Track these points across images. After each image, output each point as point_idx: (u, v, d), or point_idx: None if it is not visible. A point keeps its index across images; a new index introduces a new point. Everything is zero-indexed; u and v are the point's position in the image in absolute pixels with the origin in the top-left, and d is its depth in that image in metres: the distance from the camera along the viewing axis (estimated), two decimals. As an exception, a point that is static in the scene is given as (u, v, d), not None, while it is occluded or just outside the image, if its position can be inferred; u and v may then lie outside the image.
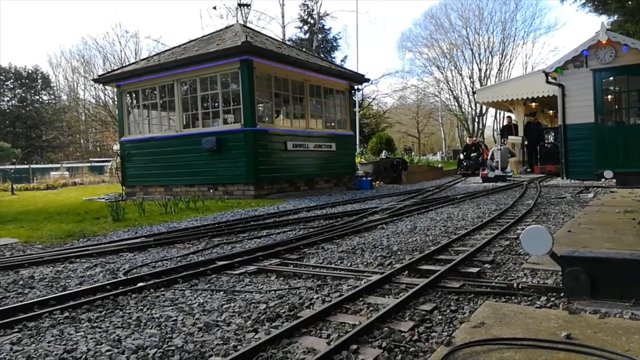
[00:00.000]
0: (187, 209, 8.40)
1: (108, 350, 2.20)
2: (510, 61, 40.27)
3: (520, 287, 2.89)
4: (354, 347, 2.10)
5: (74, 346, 2.28)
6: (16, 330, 2.57)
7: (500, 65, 39.97)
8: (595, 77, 11.47)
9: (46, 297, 3.04)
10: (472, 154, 17.56)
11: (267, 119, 12.07)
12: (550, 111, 20.60)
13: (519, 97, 16.61)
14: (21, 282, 3.61)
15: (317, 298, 2.91)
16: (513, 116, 18.15)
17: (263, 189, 10.73)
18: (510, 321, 2.32)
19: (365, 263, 3.82)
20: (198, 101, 11.45)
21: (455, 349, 2.00)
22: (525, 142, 16.72)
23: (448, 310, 2.61)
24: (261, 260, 4.02)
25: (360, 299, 2.84)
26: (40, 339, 2.42)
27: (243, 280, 3.44)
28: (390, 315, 2.50)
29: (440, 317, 2.51)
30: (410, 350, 2.09)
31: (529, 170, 16.07)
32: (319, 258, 4.07)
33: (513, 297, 2.76)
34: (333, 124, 13.80)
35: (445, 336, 2.20)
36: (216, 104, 11.65)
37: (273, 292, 3.10)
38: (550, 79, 12.09)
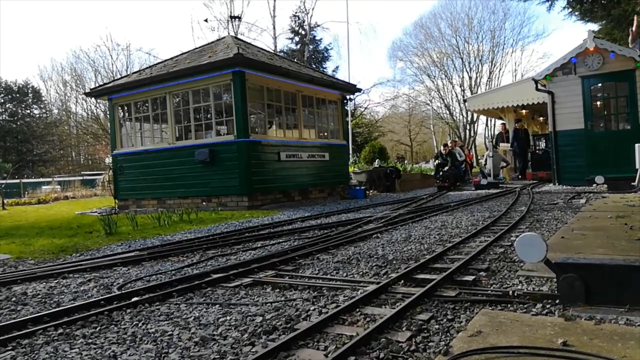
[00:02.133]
0: (181, 222, 8.36)
1: (103, 367, 2.17)
2: (500, 69, 40.77)
3: (515, 294, 2.90)
4: (352, 358, 2.10)
5: (69, 364, 2.25)
6: (10, 348, 2.53)
7: (490, 73, 40.46)
8: (584, 84, 11.63)
9: (40, 314, 3.00)
10: (445, 163, 14.49)
11: (260, 129, 12.09)
12: (541, 118, 20.79)
13: (509, 104, 16.76)
14: (14, 299, 3.56)
15: (314, 309, 2.90)
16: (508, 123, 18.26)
17: (257, 199, 10.71)
18: (507, 329, 2.32)
19: (361, 273, 3.81)
20: (191, 113, 11.45)
21: (453, 359, 2.00)
22: (513, 149, 16.76)
23: (445, 320, 2.61)
24: (256, 272, 4.00)
25: (357, 309, 2.83)
26: (34, 356, 2.39)
27: (239, 293, 3.42)
28: (388, 326, 2.50)
29: (437, 326, 2.51)
30: (408, 360, 2.09)
31: (520, 176, 16.17)
32: (314, 269, 4.06)
33: (509, 305, 2.77)
34: (326, 134, 13.85)
35: (443, 346, 2.20)
36: (209, 116, 11.66)
37: (269, 304, 3.08)
38: (539, 87, 12.23)
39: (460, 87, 41.19)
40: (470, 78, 40.61)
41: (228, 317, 2.84)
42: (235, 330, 2.62)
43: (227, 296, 3.35)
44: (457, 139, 23.16)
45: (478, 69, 40.68)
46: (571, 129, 11.79)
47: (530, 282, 3.22)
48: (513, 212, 7.17)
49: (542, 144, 16.28)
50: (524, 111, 18.28)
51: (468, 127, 41.53)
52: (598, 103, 12.08)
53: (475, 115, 37.90)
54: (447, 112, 42.79)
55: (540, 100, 14.60)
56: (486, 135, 20.72)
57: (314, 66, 28.46)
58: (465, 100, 24.01)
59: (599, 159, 11.40)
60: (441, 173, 14.23)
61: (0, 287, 4.00)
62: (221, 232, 6.79)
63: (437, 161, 15.12)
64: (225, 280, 3.75)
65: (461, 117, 42.09)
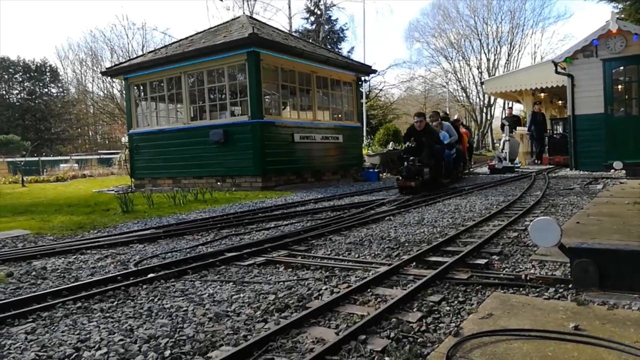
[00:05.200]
0: (196, 201, 8.45)
1: (121, 340, 2.24)
2: (519, 51, 39.90)
3: (528, 278, 2.90)
4: (363, 337, 2.12)
5: (88, 335, 2.32)
6: (30, 320, 2.61)
7: (508, 55, 39.63)
8: (605, 67, 11.34)
9: (59, 288, 3.09)
10: (416, 149, 8.63)
11: (274, 110, 12.07)
12: (559, 101, 20.40)
13: (527, 87, 16.45)
14: (34, 273, 3.67)
15: (326, 289, 2.93)
16: (519, 107, 17.94)
17: (270, 180, 10.76)
18: (518, 312, 2.33)
19: (373, 254, 3.83)
20: (205, 93, 11.47)
21: (463, 340, 2.01)
22: (530, 133, 16.45)
23: (456, 302, 2.62)
24: (269, 251, 4.05)
25: (369, 290, 2.86)
26: (54, 328, 2.46)
27: (252, 272, 3.47)
28: (398, 306, 2.52)
29: (448, 308, 2.53)
30: (419, 340, 2.11)
31: (537, 161, 15.95)
32: (326, 249, 4.09)
33: (521, 289, 2.77)
34: (340, 116, 13.77)
35: (453, 327, 2.22)
36: (223, 96, 11.66)
37: (282, 283, 3.13)
38: (559, 69, 11.96)
39: (478, 69, 40.51)
40: (488, 60, 39.89)
41: (241, 295, 2.89)
42: (248, 307, 2.67)
43: (241, 274, 3.41)
44: (443, 111, 15.55)
45: (496, 50, 39.90)
46: (590, 113, 11.55)
47: (544, 266, 3.21)
48: (528, 197, 7.11)
49: (560, 128, 16.01)
50: (542, 94, 17.95)
51: (485, 110, 40.93)
52: (619, 87, 11.79)
53: (492, 98, 37.29)
54: (464, 94, 42.20)
55: (559, 83, 14.29)
56: (503, 118, 19.79)
57: (329, 47, 28.18)
58: (482, 83, 23.59)
59: (618, 144, 11.18)
60: (405, 165, 8.33)
61: (20, 261, 4.11)
62: (235, 212, 6.86)
63: (405, 145, 9.11)
64: (238, 259, 3.80)
65: (478, 100, 41.49)
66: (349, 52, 33.51)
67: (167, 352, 2.08)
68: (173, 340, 2.21)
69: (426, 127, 8.92)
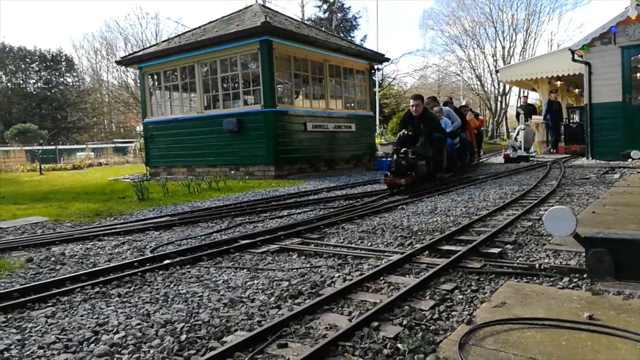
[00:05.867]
0: (210, 189, 8.53)
1: (138, 324, 2.29)
2: (535, 39, 39.06)
3: (542, 268, 2.89)
4: (375, 324, 2.14)
5: (106, 319, 2.38)
6: (50, 304, 2.68)
7: (524, 43, 38.80)
8: (624, 55, 11.08)
9: (77, 273, 3.16)
10: (410, 139, 7.44)
11: (286, 99, 12.06)
12: (576, 90, 20.04)
13: (543, 75, 16.17)
14: (53, 259, 3.75)
15: (338, 276, 2.95)
16: (535, 95, 17.66)
17: (283, 169, 10.79)
18: (532, 301, 2.32)
19: (386, 243, 3.84)
20: (218, 82, 11.50)
21: (476, 328, 2.02)
22: (545, 122, 16.18)
23: (469, 290, 2.62)
24: (283, 239, 4.08)
25: (381, 278, 2.87)
26: (73, 312, 2.53)
27: (265, 259, 3.51)
28: (411, 294, 2.53)
29: (461, 296, 2.53)
30: (431, 328, 2.12)
31: (552, 150, 15.74)
32: (339, 238, 4.11)
33: (535, 278, 2.76)
34: (353, 105, 13.71)
35: (466, 315, 2.23)
36: (236, 85, 11.68)
37: (295, 270, 3.16)
38: (576, 57, 11.73)
39: (493, 57, 39.82)
40: (503, 48, 39.15)
41: (255, 281, 2.93)
42: (262, 293, 2.70)
43: (255, 261, 3.45)
44: (448, 96, 13.86)
45: (512, 38, 39.11)
46: (608, 101, 11.33)
47: (558, 255, 3.18)
48: (543, 186, 7.03)
49: (576, 117, 15.74)
50: (558, 83, 17.64)
51: (499, 98, 40.36)
52: (638, 75, 11.52)
53: (507, 86, 36.74)
54: (478, 83, 41.58)
55: (576, 71, 14.03)
56: (518, 106, 19.40)
57: (341, 35, 27.97)
58: (497, 71, 23.25)
59: (635, 133, 10.97)
60: (395, 158, 7.00)
61: (39, 247, 4.21)
62: (248, 200, 6.91)
63: (400, 133, 7.74)
64: (252, 246, 3.84)
65: (492, 88, 40.88)
66: (362, 40, 33.24)
67: (183, 337, 2.12)
68: (189, 324, 2.26)
69: (424, 112, 7.66)
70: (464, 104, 13.44)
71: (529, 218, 4.57)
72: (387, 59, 15.44)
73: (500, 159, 14.08)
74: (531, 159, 13.03)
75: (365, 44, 31.29)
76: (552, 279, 2.71)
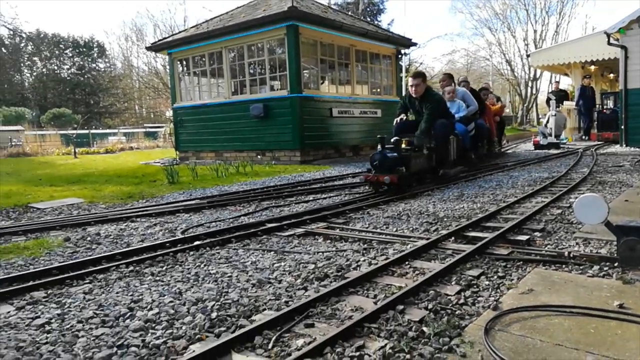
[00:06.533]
0: (237, 174, 8.66)
1: (170, 302, 2.38)
2: (569, 22, 38.15)
3: (571, 255, 2.85)
4: (401, 307, 2.17)
5: (140, 297, 2.48)
6: (87, 281, 2.80)
7: (557, 26, 37.52)
8: (665, 38, 10.63)
9: (112, 252, 3.28)
10: (411, 125, 6.64)
11: (312, 85, 12.05)
12: (611, 75, 19.33)
13: (576, 60, 15.64)
14: (89, 239, 3.90)
15: (364, 260, 2.98)
16: (567, 80, 17.09)
17: (309, 155, 10.84)
18: (560, 289, 2.31)
19: (411, 229, 3.85)
20: (245, 68, 11.57)
21: (502, 314, 2.03)
22: (578, 108, 15.66)
23: (495, 277, 2.62)
24: (308, 223, 4.13)
25: (406, 262, 2.89)
26: (109, 289, 2.64)
27: (292, 242, 3.57)
28: (437, 279, 2.55)
29: (487, 282, 2.53)
30: (457, 313, 2.14)
31: (584, 137, 15.29)
32: (364, 223, 4.14)
33: (563, 266, 2.73)
34: (379, 90, 13.59)
35: (492, 301, 2.23)
36: (263, 71, 11.73)
37: (321, 253, 3.20)
38: (612, 40, 11.32)
39: (524, 41, 38.81)
40: (535, 31, 37.90)
41: (282, 263, 2.99)
42: (289, 275, 2.76)
43: (281, 244, 3.51)
44: (463, 75, 12.06)
45: (544, 21, 37.90)
46: (645, 86, 10.93)
47: (588, 244, 3.13)
48: (574, 174, 6.87)
49: (611, 103, 15.21)
50: (592, 67, 17.03)
51: (530, 84, 39.26)
52: (679, 59, 11.06)
53: (538, 71, 35.66)
54: (508, 68, 40.47)
55: (611, 55, 13.52)
56: (549, 91, 18.66)
57: (368, 19, 27.59)
58: (528, 55, 22.54)
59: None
60: (379, 150, 5.54)
61: (76, 227, 4.37)
62: (275, 184, 6.99)
63: (397, 119, 6.79)
64: (279, 230, 3.91)
65: (523, 73, 39.76)
66: (388, 24, 32.78)
67: (214, 314, 2.19)
68: (219, 303, 2.33)
69: (427, 93, 6.45)
70: (483, 85, 12.28)
71: (559, 206, 4.49)
72: (414, 44, 15.18)
73: (529, 146, 13.78)
74: (562, 146, 12.70)
75: (392, 28, 30.88)
76: (581, 267, 2.67)
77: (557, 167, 7.93)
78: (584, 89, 15.20)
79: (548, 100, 14.77)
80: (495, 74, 43.02)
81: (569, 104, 16.12)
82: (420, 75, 6.55)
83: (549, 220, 3.90)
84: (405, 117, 6.68)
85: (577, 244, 3.17)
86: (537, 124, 25.46)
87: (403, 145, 5.87)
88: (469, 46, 42.84)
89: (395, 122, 6.77)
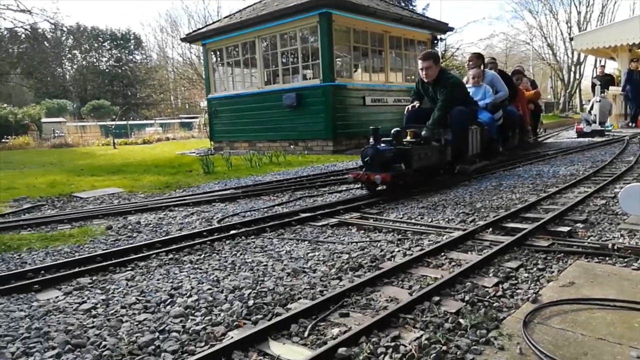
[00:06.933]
0: (270, 164, 8.74)
1: (209, 289, 2.44)
2: (615, 2, 35.94)
3: (615, 248, 2.75)
4: (436, 299, 2.15)
5: (180, 284, 2.55)
6: (129, 268, 2.91)
7: (602, 7, 35.79)
8: None
9: (152, 240, 3.39)
10: (416, 117, 5.85)
11: (345, 73, 11.98)
12: (662, 58, 18.31)
13: (623, 42, 14.89)
14: (130, 227, 4.04)
15: (398, 251, 2.97)
16: (613, 65, 16.28)
17: (341, 144, 10.81)
18: (603, 282, 2.23)
19: (447, 219, 3.79)
20: (278, 57, 11.61)
21: (542, 307, 1.98)
22: (625, 93, 14.92)
23: (535, 269, 2.55)
24: (342, 213, 4.14)
25: (442, 254, 2.86)
26: (150, 276, 2.73)
27: (325, 232, 3.58)
28: (473, 271, 2.51)
29: (526, 275, 2.47)
30: (494, 305, 2.10)
31: (631, 124, 14.60)
32: (398, 213, 4.11)
33: (607, 258, 2.63)
34: (413, 77, 13.36)
35: (532, 294, 2.18)
36: (295, 60, 11.74)
37: (354, 243, 3.21)
38: (664, 21, 10.70)
39: (567, 23, 37.11)
40: (578, 13, 36.32)
41: (316, 253, 3.02)
42: (323, 265, 2.78)
43: (315, 234, 3.53)
44: (492, 57, 9.61)
45: (588, 2, 36.14)
46: (700, 69, 10.30)
47: (634, 236, 3.01)
48: (619, 163, 6.59)
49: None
50: (641, 50, 16.19)
51: (573, 69, 37.73)
52: None
53: (582, 55, 34.19)
54: (550, 52, 39.03)
55: (663, 37, 12.80)
56: (594, 76, 17.81)
57: (402, 4, 27.08)
58: (571, 39, 21.62)
59: None
60: (370, 146, 4.80)
61: (117, 216, 4.54)
62: (307, 174, 7.02)
63: (409, 107, 6.10)
64: (312, 220, 3.93)
65: (566, 57, 38.25)
66: (423, 9, 32.07)
67: (251, 302, 2.24)
68: (255, 291, 2.38)
69: (440, 77, 5.64)
70: (516, 68, 10.55)
71: (603, 196, 4.32)
72: (451, 29, 14.84)
73: (572, 133, 13.30)
74: (607, 133, 12.18)
75: (427, 13, 30.18)
76: (625, 260, 2.58)
77: (602, 155, 7.62)
78: (631, 73, 14.47)
79: (593, 85, 14.15)
80: (536, 58, 41.57)
81: (615, 89, 15.40)
82: (431, 57, 5.69)
83: (592, 211, 3.77)
84: (418, 105, 5.95)
85: (621, 235, 3.05)
86: (580, 111, 24.53)
87: (408, 138, 5.12)
88: (508, 30, 41.56)
89: (406, 109, 6.08)
